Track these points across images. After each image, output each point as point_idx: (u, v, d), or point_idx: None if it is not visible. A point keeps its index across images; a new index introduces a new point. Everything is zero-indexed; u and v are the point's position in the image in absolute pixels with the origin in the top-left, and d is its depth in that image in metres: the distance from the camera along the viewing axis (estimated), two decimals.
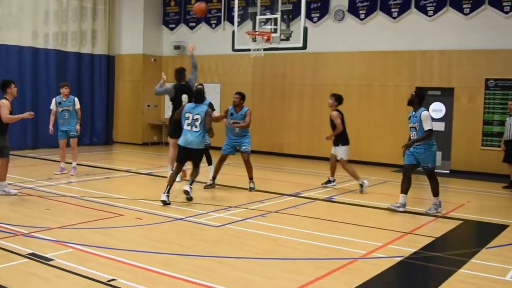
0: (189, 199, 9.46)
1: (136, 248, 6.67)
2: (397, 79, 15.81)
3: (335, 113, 11.68)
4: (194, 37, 19.92)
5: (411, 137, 9.51)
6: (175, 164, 10.04)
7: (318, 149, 17.00)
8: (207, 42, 19.51)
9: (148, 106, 20.63)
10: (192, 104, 9.75)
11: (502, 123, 14.23)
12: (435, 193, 9.42)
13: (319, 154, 16.75)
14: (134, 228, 7.70)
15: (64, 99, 12.73)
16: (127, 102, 20.74)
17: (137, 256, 6.31)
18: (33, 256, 6.14)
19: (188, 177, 10.28)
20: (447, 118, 15.37)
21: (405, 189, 9.41)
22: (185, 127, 9.60)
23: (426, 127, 9.19)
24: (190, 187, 9.50)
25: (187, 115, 9.62)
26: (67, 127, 12.69)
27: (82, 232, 7.35)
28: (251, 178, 11.20)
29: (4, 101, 9.69)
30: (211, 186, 11.21)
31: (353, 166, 11.77)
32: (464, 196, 11.43)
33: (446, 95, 15.31)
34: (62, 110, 12.66)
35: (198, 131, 9.49)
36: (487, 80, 14.56)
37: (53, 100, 12.77)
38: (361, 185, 11.38)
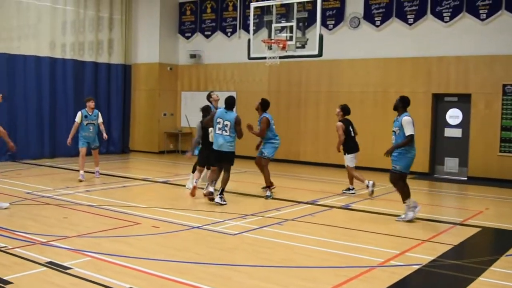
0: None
1: (153, 257, 6.69)
2: (413, 85, 15.72)
3: (338, 124, 11.95)
4: (210, 46, 20.04)
5: (392, 142, 9.47)
6: (211, 168, 10.84)
7: (334, 157, 16.89)
8: (222, 50, 19.60)
9: (164, 114, 20.72)
10: (223, 110, 10.30)
11: None
12: (403, 198, 9.28)
13: (336, 162, 16.69)
14: (151, 237, 7.72)
15: (90, 113, 13.06)
16: (143, 111, 20.85)
17: (153, 265, 6.33)
18: (51, 265, 6.18)
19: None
20: (464, 125, 15.25)
21: (405, 195, 9.26)
22: (217, 131, 10.22)
23: (407, 132, 9.10)
24: (221, 197, 10.07)
25: (218, 120, 10.20)
26: (91, 139, 13.20)
27: (100, 241, 7.39)
28: (267, 186, 11.25)
29: None
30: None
31: (358, 172, 11.89)
32: (482, 203, 11.32)
33: (463, 101, 15.21)
34: (87, 124, 13.04)
35: (228, 135, 10.08)
36: (504, 86, 14.44)
37: (79, 113, 13.08)
38: (367, 186, 11.48)
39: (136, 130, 21.00)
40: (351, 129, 12.09)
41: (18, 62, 17.08)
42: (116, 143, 20.28)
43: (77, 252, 6.77)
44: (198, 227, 8.34)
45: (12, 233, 7.65)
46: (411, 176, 14.79)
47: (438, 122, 15.72)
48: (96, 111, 13.24)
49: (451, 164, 15.48)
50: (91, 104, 13.05)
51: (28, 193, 11.01)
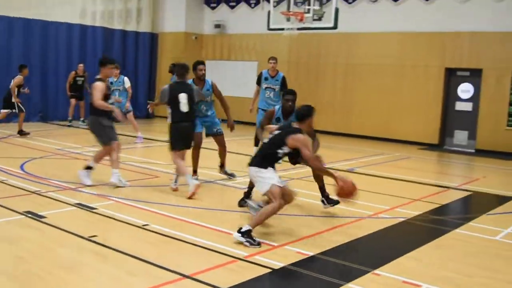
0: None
1: (168, 203, 7.59)
2: (428, 59, 16.25)
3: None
4: (234, 16, 20.71)
5: None
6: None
7: (349, 127, 17.67)
8: (246, 21, 20.26)
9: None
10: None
11: None
12: None
13: (351, 131, 17.45)
14: (167, 187, 8.61)
15: (115, 79, 13.75)
16: (169, 78, 21.57)
17: (167, 208, 7.24)
18: (79, 205, 7.13)
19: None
20: (475, 99, 15.78)
21: None
22: None
23: None
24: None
25: None
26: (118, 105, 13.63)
27: (122, 189, 8.30)
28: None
29: None
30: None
31: None
32: (481, 172, 11.98)
33: (475, 76, 15.71)
34: (113, 90, 13.53)
35: None
36: None
37: None
38: None
39: None
40: None
41: (50, 29, 18.03)
42: (142, 108, 21.22)
43: (103, 196, 7.71)
44: (212, 182, 9.22)
45: (45, 180, 8.62)
46: (421, 147, 15.51)
47: (449, 96, 16.27)
48: (122, 77, 13.96)
49: (460, 136, 16.06)
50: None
51: (59, 149, 12.00)
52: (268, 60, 11.94)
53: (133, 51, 20.86)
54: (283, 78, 11.88)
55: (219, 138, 9.43)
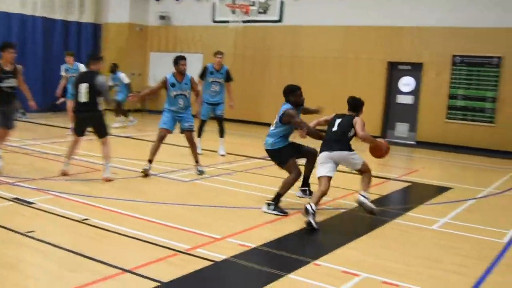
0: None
1: (109, 196, 7.48)
2: (371, 53, 16.55)
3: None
4: (179, 8, 20.53)
5: None
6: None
7: None
8: (191, 13, 20.11)
9: (133, 74, 21.23)
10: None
11: (465, 97, 15.16)
12: None
13: None
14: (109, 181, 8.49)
15: (70, 66, 13.91)
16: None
17: (108, 202, 7.14)
18: (17, 200, 6.95)
19: None
20: (415, 92, 16.18)
21: None
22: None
23: None
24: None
25: None
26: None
27: (62, 183, 8.13)
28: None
29: None
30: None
31: None
32: (421, 163, 12.32)
33: (416, 70, 16.11)
34: (70, 77, 13.77)
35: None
36: (454, 56, 15.35)
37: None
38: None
39: None
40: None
41: None
42: None
43: (41, 191, 7.53)
44: (154, 175, 9.14)
45: None
46: None
47: (391, 89, 16.62)
48: (76, 64, 14.01)
49: (401, 129, 16.45)
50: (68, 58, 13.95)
51: None
52: (215, 55, 11.85)
53: (75, 42, 20.34)
54: (227, 71, 11.89)
55: (188, 134, 9.41)
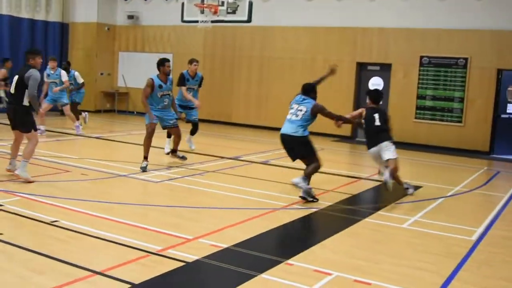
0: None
1: (78, 197, 7.37)
2: (339, 54, 16.65)
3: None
4: (148, 7, 20.36)
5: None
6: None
7: (264, 119, 17.85)
8: (160, 12, 19.97)
9: (101, 74, 21.04)
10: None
11: (434, 97, 15.38)
12: None
13: (266, 124, 17.61)
14: (79, 182, 8.39)
15: (52, 72, 13.88)
16: (81, 70, 20.71)
17: (79, 204, 7.03)
18: None
19: None
20: (384, 92, 16.29)
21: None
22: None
23: None
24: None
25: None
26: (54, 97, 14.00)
27: (29, 185, 7.99)
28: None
29: None
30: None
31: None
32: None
33: (384, 70, 16.27)
34: (50, 83, 13.88)
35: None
36: (421, 57, 15.55)
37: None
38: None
39: None
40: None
41: None
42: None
43: (8, 192, 7.39)
44: (124, 175, 9.05)
45: None
46: (334, 139, 15.88)
47: (361, 89, 16.74)
48: (58, 69, 14.04)
49: None
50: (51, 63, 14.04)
51: None
52: (191, 63, 11.82)
53: (42, 41, 20.00)
54: (201, 78, 12.03)
55: (175, 130, 10.23)
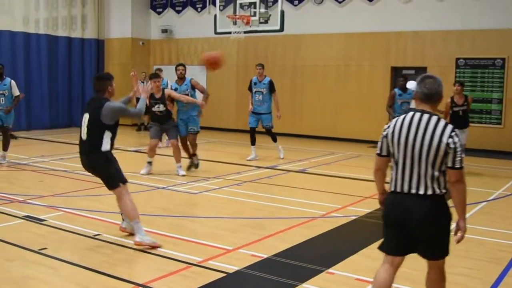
0: None
1: (118, 211, 7.46)
2: (373, 59, 16.55)
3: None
4: (181, 21, 20.60)
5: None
6: None
7: (299, 127, 17.82)
8: (193, 25, 20.19)
9: None
10: None
11: (472, 99, 15.12)
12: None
13: (300, 132, 17.60)
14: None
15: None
16: (117, 85, 20.67)
17: (120, 217, 7.09)
18: (28, 218, 6.96)
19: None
20: None
21: None
22: None
23: None
24: None
25: None
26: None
27: (72, 199, 8.15)
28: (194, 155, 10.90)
29: None
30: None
31: None
32: None
33: (420, 74, 16.05)
34: None
35: None
36: (457, 59, 15.34)
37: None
38: None
39: None
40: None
41: None
42: None
43: (52, 207, 7.55)
44: (163, 188, 9.15)
45: None
46: (371, 145, 15.76)
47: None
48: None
49: None
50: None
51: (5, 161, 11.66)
52: (256, 67, 12.86)
53: (79, 59, 20.48)
54: (269, 82, 12.64)
55: (192, 137, 10.59)
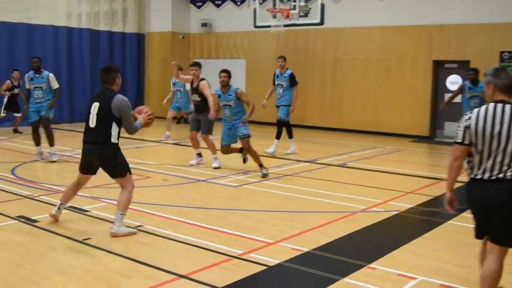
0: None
1: (160, 203, 7.56)
2: (414, 53, 16.30)
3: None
4: (220, 14, 20.66)
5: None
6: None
7: (339, 121, 17.71)
8: (232, 19, 20.22)
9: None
10: None
11: None
12: None
13: (340, 126, 17.49)
14: (160, 188, 8.61)
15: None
16: (157, 79, 21.63)
17: (161, 209, 7.21)
18: (72, 208, 7.08)
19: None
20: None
21: None
22: None
23: None
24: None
25: None
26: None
27: (114, 191, 8.20)
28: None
29: None
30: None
31: None
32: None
33: (462, 67, 15.77)
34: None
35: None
36: (501, 52, 14.98)
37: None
38: None
39: (150, 97, 21.79)
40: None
41: (36, 32, 17.89)
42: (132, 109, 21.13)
43: (95, 199, 7.68)
44: (203, 180, 9.21)
45: (36, 184, 8.58)
46: (412, 139, 15.56)
47: (438, 88, 16.33)
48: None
49: (450, 128, 16.10)
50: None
51: (49, 152, 11.89)
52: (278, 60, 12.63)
53: (120, 52, 20.77)
54: (290, 75, 12.39)
55: (245, 141, 9.82)
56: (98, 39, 19.92)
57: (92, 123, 6.15)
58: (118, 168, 6.27)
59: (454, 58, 15.89)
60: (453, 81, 16.11)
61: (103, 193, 8.02)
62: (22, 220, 6.55)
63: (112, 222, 6.22)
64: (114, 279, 4.82)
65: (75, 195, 6.71)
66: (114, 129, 6.18)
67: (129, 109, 6.30)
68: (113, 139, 6.19)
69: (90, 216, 6.80)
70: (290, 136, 12.53)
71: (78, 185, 6.57)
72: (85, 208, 7.13)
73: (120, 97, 6.22)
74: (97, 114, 6.12)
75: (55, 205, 6.96)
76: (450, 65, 16.10)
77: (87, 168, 6.45)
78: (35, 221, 6.51)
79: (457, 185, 9.16)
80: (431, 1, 15.98)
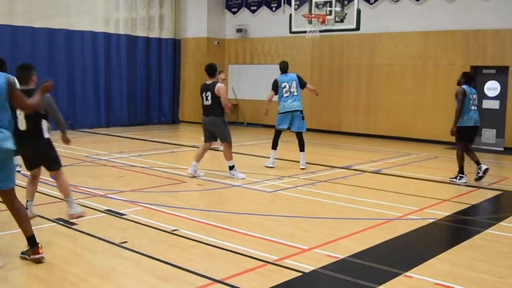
0: None
1: (196, 207, 7.63)
2: (451, 58, 16.09)
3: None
4: (256, 20, 20.75)
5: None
6: None
7: (374, 127, 17.59)
8: (267, 25, 20.29)
9: None
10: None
11: None
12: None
13: (375, 132, 17.36)
14: (195, 192, 8.68)
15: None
16: (192, 84, 21.77)
17: (196, 213, 7.27)
18: (109, 212, 7.21)
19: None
20: (502, 96, 15.58)
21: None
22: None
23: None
24: None
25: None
26: None
27: (150, 195, 8.37)
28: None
29: None
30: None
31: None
32: (511, 171, 11.81)
33: (501, 73, 15.52)
34: None
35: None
36: None
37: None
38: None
39: (186, 101, 22.00)
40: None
41: (75, 37, 18.24)
42: (167, 113, 21.39)
43: (131, 202, 7.79)
44: (238, 186, 9.25)
45: (75, 188, 8.70)
46: (448, 146, 15.34)
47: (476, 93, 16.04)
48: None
49: (488, 135, 15.85)
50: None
51: (86, 156, 12.12)
52: None
53: (156, 58, 21.05)
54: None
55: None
56: (135, 44, 20.22)
57: (22, 125, 6.45)
58: (53, 162, 6.82)
59: (492, 64, 15.63)
60: (491, 87, 15.86)
61: (139, 197, 8.13)
62: (61, 223, 6.69)
63: (148, 226, 6.30)
64: (151, 282, 4.88)
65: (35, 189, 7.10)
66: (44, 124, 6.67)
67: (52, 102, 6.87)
68: (45, 135, 6.67)
69: (127, 219, 6.90)
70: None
71: (33, 179, 6.99)
72: (122, 211, 7.23)
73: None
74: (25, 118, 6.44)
75: (92, 208, 7.12)
76: (488, 71, 15.84)
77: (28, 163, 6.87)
78: (73, 223, 6.63)
79: (492, 194, 9.06)
80: (468, 6, 15.76)
